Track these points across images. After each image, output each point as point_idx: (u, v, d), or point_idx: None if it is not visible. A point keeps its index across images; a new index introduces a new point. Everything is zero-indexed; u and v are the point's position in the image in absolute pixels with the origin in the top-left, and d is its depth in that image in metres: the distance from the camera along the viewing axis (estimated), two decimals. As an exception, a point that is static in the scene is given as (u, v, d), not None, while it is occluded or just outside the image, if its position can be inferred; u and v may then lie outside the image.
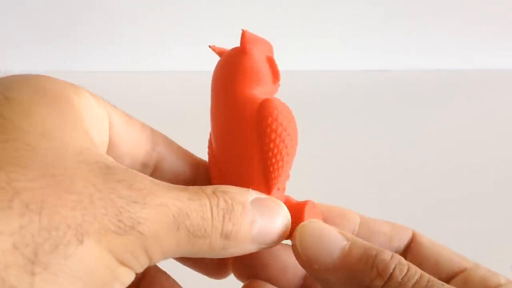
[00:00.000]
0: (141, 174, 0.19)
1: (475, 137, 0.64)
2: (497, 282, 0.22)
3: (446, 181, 0.57)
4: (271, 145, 0.22)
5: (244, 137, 0.22)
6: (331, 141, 0.62)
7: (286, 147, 0.22)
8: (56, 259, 0.15)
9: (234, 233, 0.20)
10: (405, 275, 0.20)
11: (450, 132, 0.64)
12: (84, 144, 0.18)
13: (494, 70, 0.75)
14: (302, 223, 0.22)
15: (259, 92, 0.22)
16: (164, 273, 0.26)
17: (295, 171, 0.24)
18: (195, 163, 0.25)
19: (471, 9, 0.73)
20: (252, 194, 0.21)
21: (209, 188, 0.20)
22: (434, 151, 0.61)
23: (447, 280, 0.23)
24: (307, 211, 0.23)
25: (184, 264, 0.26)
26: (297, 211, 0.23)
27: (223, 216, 0.20)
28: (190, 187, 0.20)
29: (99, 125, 0.21)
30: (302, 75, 0.67)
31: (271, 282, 0.24)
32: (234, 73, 0.22)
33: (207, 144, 0.25)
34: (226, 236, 0.20)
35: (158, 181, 0.19)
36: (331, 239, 0.21)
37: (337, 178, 0.56)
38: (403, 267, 0.20)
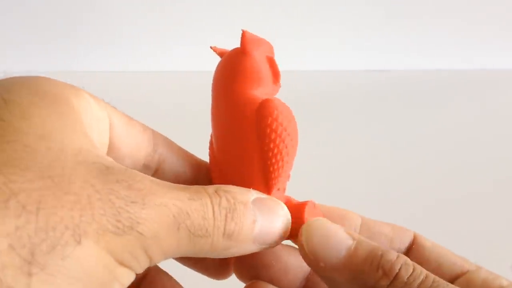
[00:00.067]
0: (141, 174, 0.19)
1: (475, 137, 0.64)
2: (499, 285, 0.22)
3: (446, 181, 0.57)
4: (271, 145, 0.22)
5: (244, 138, 0.22)
6: (331, 141, 0.62)
7: (286, 147, 0.22)
8: (53, 259, 0.15)
9: (236, 233, 0.20)
10: (410, 275, 0.20)
11: (450, 132, 0.64)
12: (83, 145, 0.18)
13: (494, 70, 0.75)
14: (308, 221, 0.22)
15: (259, 92, 0.22)
16: (165, 273, 0.26)
17: (295, 171, 0.24)
18: (196, 163, 0.25)
19: (471, 9, 0.73)
20: (253, 194, 0.21)
21: (211, 188, 0.20)
22: (434, 151, 0.61)
23: (449, 282, 0.23)
24: (307, 211, 0.23)
25: (185, 265, 0.26)
26: (297, 211, 0.23)
27: (226, 216, 0.20)
28: (191, 186, 0.20)
29: (99, 127, 0.21)
30: (302, 75, 0.67)
31: (272, 283, 0.24)
32: (234, 73, 0.22)
33: (207, 144, 0.25)
34: (228, 236, 0.20)
35: (158, 181, 0.19)
36: (338, 238, 0.21)
37: (337, 178, 0.56)
38: (408, 267, 0.20)
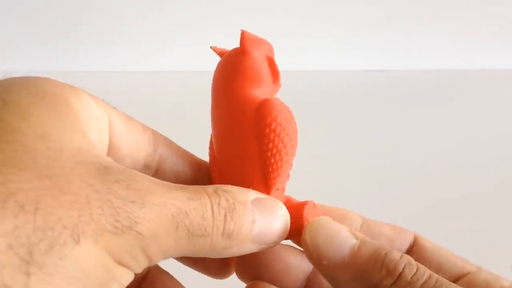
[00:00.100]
0: (140, 174, 0.19)
1: (475, 137, 0.64)
2: (500, 286, 0.22)
3: (446, 181, 0.57)
4: (270, 145, 0.22)
5: (243, 137, 0.22)
6: (331, 141, 0.62)
7: (285, 147, 0.22)
8: (51, 259, 0.15)
9: (236, 232, 0.20)
10: (414, 274, 0.20)
11: (450, 132, 0.64)
12: (82, 145, 0.18)
13: (494, 70, 0.75)
14: (313, 220, 0.22)
15: (259, 92, 0.22)
16: (166, 273, 0.26)
17: (295, 171, 0.24)
18: (196, 163, 0.26)
19: (471, 9, 0.73)
20: (252, 194, 0.21)
21: (210, 188, 0.20)
22: (434, 151, 0.61)
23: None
24: (306, 211, 0.23)
25: (186, 264, 0.26)
26: (296, 211, 0.23)
27: (225, 215, 0.20)
28: (191, 186, 0.20)
29: (99, 127, 0.21)
30: (302, 75, 0.67)
31: (273, 283, 0.24)
32: (234, 73, 0.22)
33: (207, 144, 0.25)
34: (227, 235, 0.20)
35: (157, 180, 0.19)
36: (342, 237, 0.21)
37: (337, 178, 0.56)
38: (412, 267, 0.20)
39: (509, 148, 0.62)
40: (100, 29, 0.71)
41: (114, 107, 0.23)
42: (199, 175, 0.25)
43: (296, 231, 0.23)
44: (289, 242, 0.25)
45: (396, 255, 0.20)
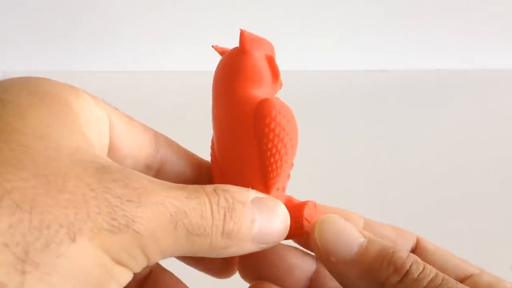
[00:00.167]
0: (138, 173, 0.19)
1: (475, 137, 0.64)
2: None
3: (446, 181, 0.57)
4: (269, 145, 0.22)
5: (243, 137, 0.22)
6: (331, 141, 0.62)
7: (285, 147, 0.22)
8: (48, 258, 0.15)
9: (235, 232, 0.20)
10: (421, 272, 0.20)
11: (450, 132, 0.64)
12: (81, 145, 0.18)
13: (494, 70, 0.75)
14: (322, 217, 0.22)
15: (260, 92, 0.22)
16: (169, 272, 0.26)
17: (295, 171, 0.24)
18: (197, 163, 0.26)
19: (471, 9, 0.73)
20: (252, 194, 0.21)
21: (209, 187, 0.20)
22: (434, 151, 0.61)
23: None
24: (306, 211, 0.23)
25: (188, 264, 0.26)
26: (296, 211, 0.23)
27: (224, 215, 0.20)
28: (190, 185, 0.20)
29: (99, 127, 0.21)
30: (302, 75, 0.67)
31: (276, 283, 0.24)
32: (233, 72, 0.22)
33: (207, 144, 0.25)
34: (227, 235, 0.20)
35: (156, 180, 0.19)
36: (350, 235, 0.22)
37: (337, 178, 0.56)
38: (419, 265, 0.20)
39: (509, 148, 0.62)
40: (100, 29, 0.71)
41: (115, 108, 0.23)
42: (201, 175, 0.25)
43: (296, 231, 0.23)
44: (291, 242, 0.25)
45: (403, 253, 0.21)
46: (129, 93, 0.67)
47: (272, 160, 0.22)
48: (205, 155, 0.26)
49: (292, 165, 0.23)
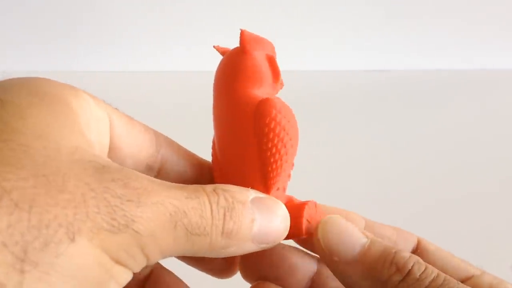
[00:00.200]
0: (138, 173, 0.19)
1: (475, 137, 0.64)
2: None
3: (446, 181, 0.57)
4: (269, 145, 0.22)
5: (244, 137, 0.22)
6: (331, 141, 0.62)
7: (284, 147, 0.22)
8: (46, 257, 0.15)
9: (235, 231, 0.20)
10: (423, 272, 0.20)
11: (450, 132, 0.64)
12: (80, 144, 0.18)
13: (494, 70, 0.75)
14: (325, 217, 0.23)
15: (260, 92, 0.22)
16: (170, 272, 0.26)
17: (294, 170, 0.24)
18: (198, 164, 0.26)
19: (471, 9, 0.73)
20: (251, 193, 0.21)
21: (209, 187, 0.20)
22: (434, 151, 0.61)
23: None
24: (306, 211, 0.23)
25: (189, 264, 0.26)
26: (297, 211, 0.23)
27: (224, 214, 0.20)
28: (189, 185, 0.20)
29: (99, 128, 0.21)
30: (302, 75, 0.67)
31: (278, 283, 0.25)
32: (234, 72, 0.22)
33: (207, 144, 0.25)
34: (227, 234, 0.20)
35: (156, 179, 0.19)
36: (353, 236, 0.22)
37: (337, 178, 0.56)
38: (421, 265, 0.21)
39: (509, 148, 0.62)
40: (100, 29, 0.71)
41: (115, 108, 0.23)
42: (202, 175, 0.25)
43: (296, 231, 0.23)
44: (293, 243, 0.25)
45: (405, 254, 0.21)
46: (129, 93, 0.67)
47: (272, 160, 0.22)
48: (205, 155, 0.26)
49: (293, 165, 0.23)
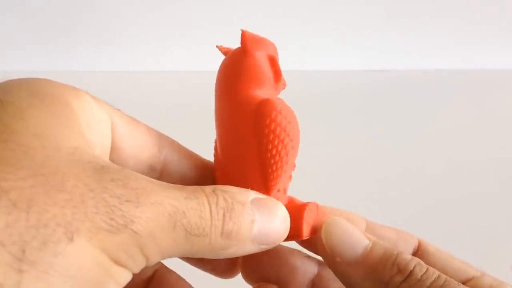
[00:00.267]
0: (137, 173, 0.19)
1: (475, 137, 0.64)
2: None
3: (446, 181, 0.57)
4: (269, 146, 0.22)
5: (245, 138, 0.22)
6: (331, 141, 0.62)
7: (285, 148, 0.22)
8: (45, 257, 0.15)
9: (235, 232, 0.20)
10: (424, 273, 0.21)
11: (450, 132, 0.64)
12: (80, 145, 0.18)
13: (494, 70, 0.75)
14: (329, 219, 0.23)
15: (262, 92, 0.22)
16: (174, 272, 0.26)
17: (295, 171, 0.24)
18: (201, 164, 0.25)
19: (471, 9, 0.73)
20: (251, 194, 0.21)
21: (208, 187, 0.20)
22: (434, 151, 0.61)
23: None
24: (307, 212, 0.23)
25: (192, 264, 0.26)
26: (297, 212, 0.23)
27: (223, 215, 0.20)
28: (189, 186, 0.20)
29: (101, 128, 0.21)
30: (302, 75, 0.67)
31: (279, 285, 0.25)
32: (235, 73, 0.22)
33: (207, 144, 0.25)
34: (226, 235, 0.20)
35: (155, 180, 0.19)
36: (355, 237, 0.22)
37: (337, 178, 0.56)
38: (422, 267, 0.21)
39: (509, 148, 0.62)
40: (100, 29, 0.71)
41: (117, 109, 0.23)
42: (205, 175, 0.25)
43: (296, 232, 0.23)
44: (294, 244, 0.25)
45: (407, 255, 0.21)
46: (129, 93, 0.67)
47: (272, 161, 0.22)
48: (206, 155, 0.26)
49: (294, 166, 0.23)
